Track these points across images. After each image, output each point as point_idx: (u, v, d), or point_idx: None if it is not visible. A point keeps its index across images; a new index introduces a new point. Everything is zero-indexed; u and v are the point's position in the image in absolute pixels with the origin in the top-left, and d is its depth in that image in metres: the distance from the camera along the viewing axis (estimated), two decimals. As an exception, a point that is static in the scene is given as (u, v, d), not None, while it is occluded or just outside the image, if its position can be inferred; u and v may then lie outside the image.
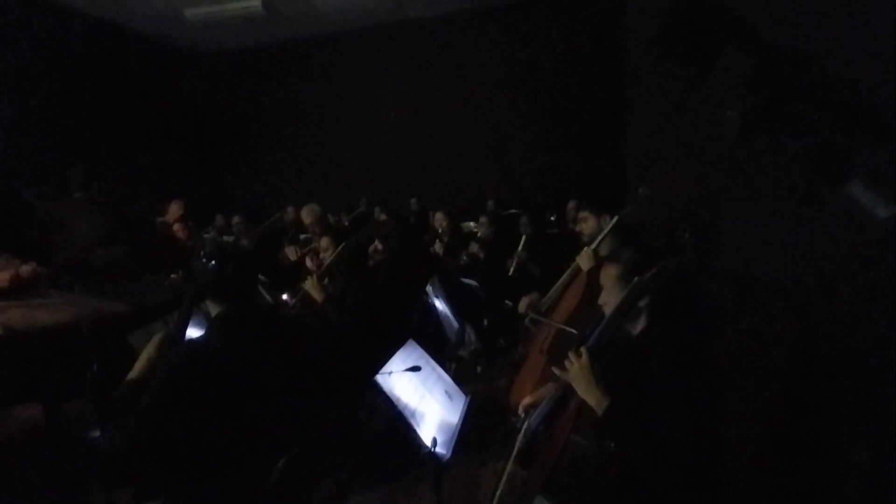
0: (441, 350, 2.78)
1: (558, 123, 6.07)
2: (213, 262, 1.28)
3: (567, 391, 1.42)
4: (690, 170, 2.85)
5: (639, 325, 1.36)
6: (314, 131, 6.89)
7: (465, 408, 1.70)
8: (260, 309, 2.12)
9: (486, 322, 3.45)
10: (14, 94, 4.79)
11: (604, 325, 1.33)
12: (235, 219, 4.61)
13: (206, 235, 4.01)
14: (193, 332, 1.56)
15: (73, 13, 5.41)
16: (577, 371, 1.29)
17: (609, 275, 1.38)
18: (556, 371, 1.37)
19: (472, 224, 5.23)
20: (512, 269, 3.48)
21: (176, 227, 3.57)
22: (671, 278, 1.28)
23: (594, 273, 2.37)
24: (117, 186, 3.26)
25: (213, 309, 1.37)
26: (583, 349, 1.32)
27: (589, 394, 1.27)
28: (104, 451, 1.18)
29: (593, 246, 2.40)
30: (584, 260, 2.41)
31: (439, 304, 2.74)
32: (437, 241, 4.29)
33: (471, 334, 3.45)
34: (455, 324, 2.69)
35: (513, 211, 5.35)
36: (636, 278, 1.28)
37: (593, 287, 2.39)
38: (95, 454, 1.54)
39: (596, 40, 5.70)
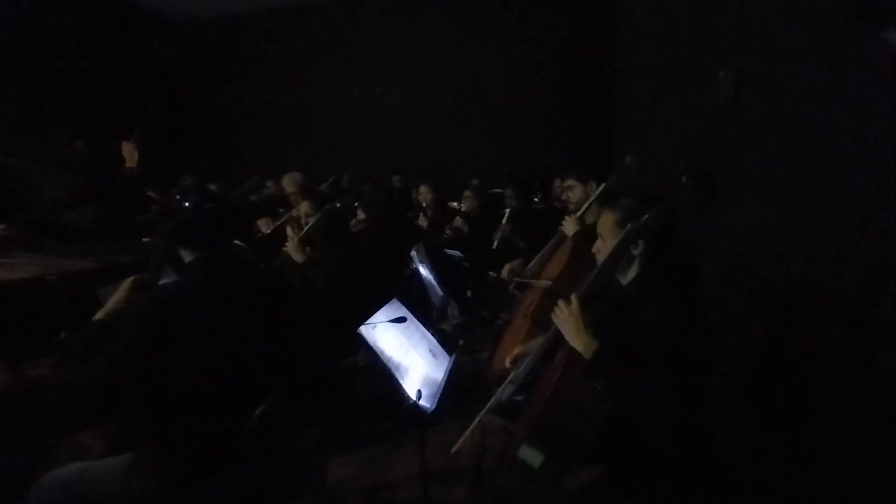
0: (426, 316, 2.75)
1: (542, 100, 6.05)
2: (190, 201, 1.21)
3: (556, 340, 1.40)
4: (679, 136, 2.85)
5: (630, 274, 1.34)
6: (295, 103, 6.72)
7: (451, 366, 1.67)
8: (240, 255, 2.05)
9: (469, 293, 3.42)
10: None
11: (596, 272, 1.31)
12: (211, 186, 4.45)
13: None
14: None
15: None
16: (566, 316, 1.27)
17: (606, 222, 1.36)
18: (546, 317, 1.35)
19: (455, 204, 5.18)
20: (496, 242, 3.46)
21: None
22: (667, 221, 1.27)
23: (579, 238, 2.37)
24: (94, 146, 3.11)
25: (188, 256, 1.31)
26: (573, 296, 1.30)
27: (578, 339, 1.26)
28: (70, 393, 1.10)
29: (579, 213, 2.39)
30: (568, 225, 2.40)
31: (424, 271, 2.70)
32: (422, 214, 4.23)
33: (454, 307, 3.43)
34: (439, 292, 2.65)
35: (497, 190, 5.33)
36: (629, 224, 1.26)
37: (578, 252, 2.40)
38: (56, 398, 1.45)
39: (581, 12, 5.67)
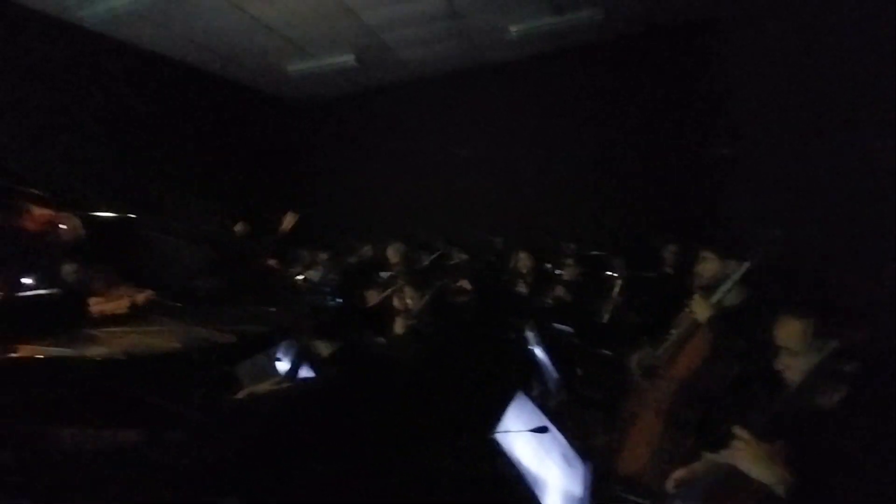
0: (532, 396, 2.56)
1: (644, 163, 5.80)
2: (337, 298, 1.22)
3: (732, 469, 1.18)
4: (832, 206, 2.51)
5: (831, 394, 1.10)
6: (396, 172, 7.10)
7: (590, 479, 1.47)
8: (368, 347, 2.05)
9: (579, 372, 3.17)
10: (139, 142, 5.40)
11: (792, 396, 1.09)
12: (323, 255, 4.74)
13: (310, 273, 4.10)
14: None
15: (190, 68, 6.11)
16: (748, 454, 1.06)
17: (793, 332, 1.15)
18: (711, 455, 1.13)
19: (549, 266, 5.01)
20: (608, 316, 3.22)
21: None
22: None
23: (717, 325, 2.09)
24: (229, 222, 3.45)
25: (325, 349, 1.31)
26: (741, 430, 1.08)
27: (768, 472, 1.03)
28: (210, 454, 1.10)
29: (718, 296, 2.12)
30: (701, 309, 2.12)
31: (539, 353, 2.54)
32: (521, 281, 4.11)
33: (559, 386, 3.19)
34: (556, 374, 2.47)
35: (596, 253, 5.08)
36: (833, 342, 1.05)
37: (717, 341, 2.11)
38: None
39: (688, 72, 5.47)
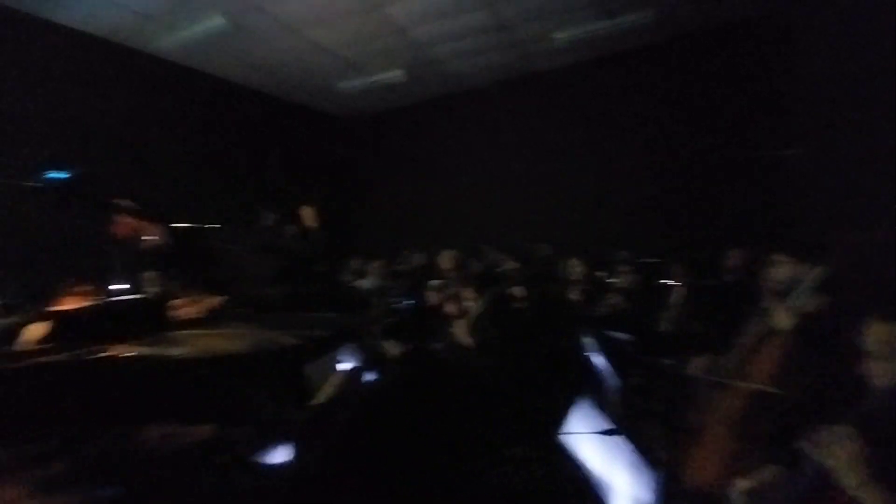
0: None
1: (701, 166, 5.58)
2: (409, 300, 1.27)
3: (814, 479, 1.11)
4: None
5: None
6: (444, 181, 7.21)
7: (661, 489, 1.43)
8: (434, 352, 2.10)
9: (637, 382, 3.07)
10: (211, 160, 5.86)
11: (880, 402, 1.03)
12: (375, 263, 4.88)
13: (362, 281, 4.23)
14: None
15: (253, 91, 6.53)
16: (845, 462, 1.00)
17: (882, 336, 1.09)
18: (811, 449, 1.08)
19: (601, 274, 4.89)
20: (667, 325, 3.11)
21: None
22: None
23: (797, 334, 1.98)
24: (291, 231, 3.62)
25: (394, 349, 1.36)
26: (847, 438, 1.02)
27: (858, 483, 0.97)
28: (299, 471, 1.16)
29: (794, 302, 2.01)
30: (780, 316, 2.02)
31: (596, 361, 2.50)
32: (574, 289, 4.05)
33: (615, 395, 3.10)
34: (613, 383, 2.42)
35: (652, 260, 4.92)
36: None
37: (796, 351, 1.99)
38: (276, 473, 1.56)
39: (747, 71, 5.24)
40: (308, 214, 3.60)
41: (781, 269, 2.14)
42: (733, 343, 2.34)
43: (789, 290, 2.08)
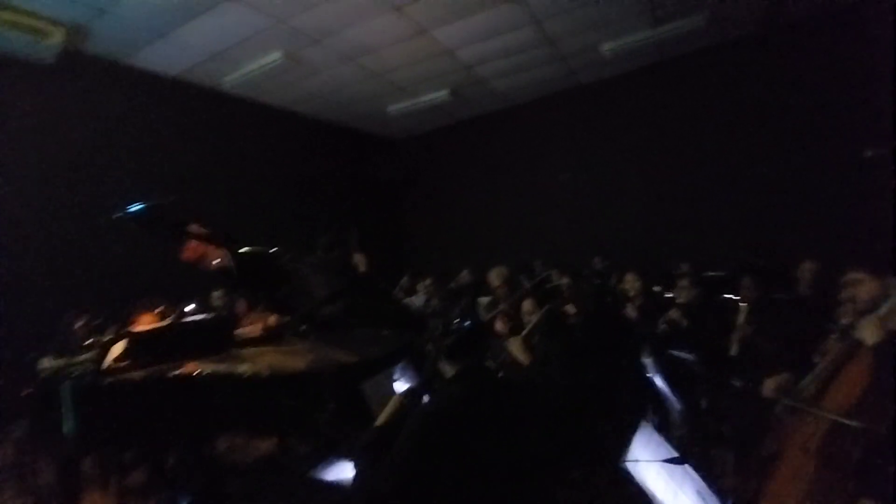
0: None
1: (764, 173, 5.25)
2: (468, 321, 1.29)
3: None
4: None
5: None
6: (494, 198, 7.23)
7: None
8: (490, 371, 2.11)
9: (703, 404, 2.90)
10: (273, 186, 6.24)
11: None
12: (427, 280, 4.95)
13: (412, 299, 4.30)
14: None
15: (310, 119, 6.93)
16: None
17: None
18: None
19: (658, 288, 4.69)
20: (736, 345, 2.92)
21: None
22: None
23: (885, 352, 1.81)
24: (347, 251, 3.77)
25: (450, 370, 1.38)
26: None
27: None
28: (361, 491, 1.20)
29: (888, 313, 1.85)
30: (870, 331, 1.85)
31: (658, 382, 2.39)
32: (629, 304, 3.90)
33: (681, 417, 2.93)
34: (678, 405, 2.30)
35: (712, 273, 4.66)
36: None
37: (884, 370, 1.83)
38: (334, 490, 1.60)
39: (808, 71, 4.92)
40: (360, 260, 3.74)
41: (864, 287, 1.97)
42: (810, 362, 2.17)
43: (874, 307, 1.91)
